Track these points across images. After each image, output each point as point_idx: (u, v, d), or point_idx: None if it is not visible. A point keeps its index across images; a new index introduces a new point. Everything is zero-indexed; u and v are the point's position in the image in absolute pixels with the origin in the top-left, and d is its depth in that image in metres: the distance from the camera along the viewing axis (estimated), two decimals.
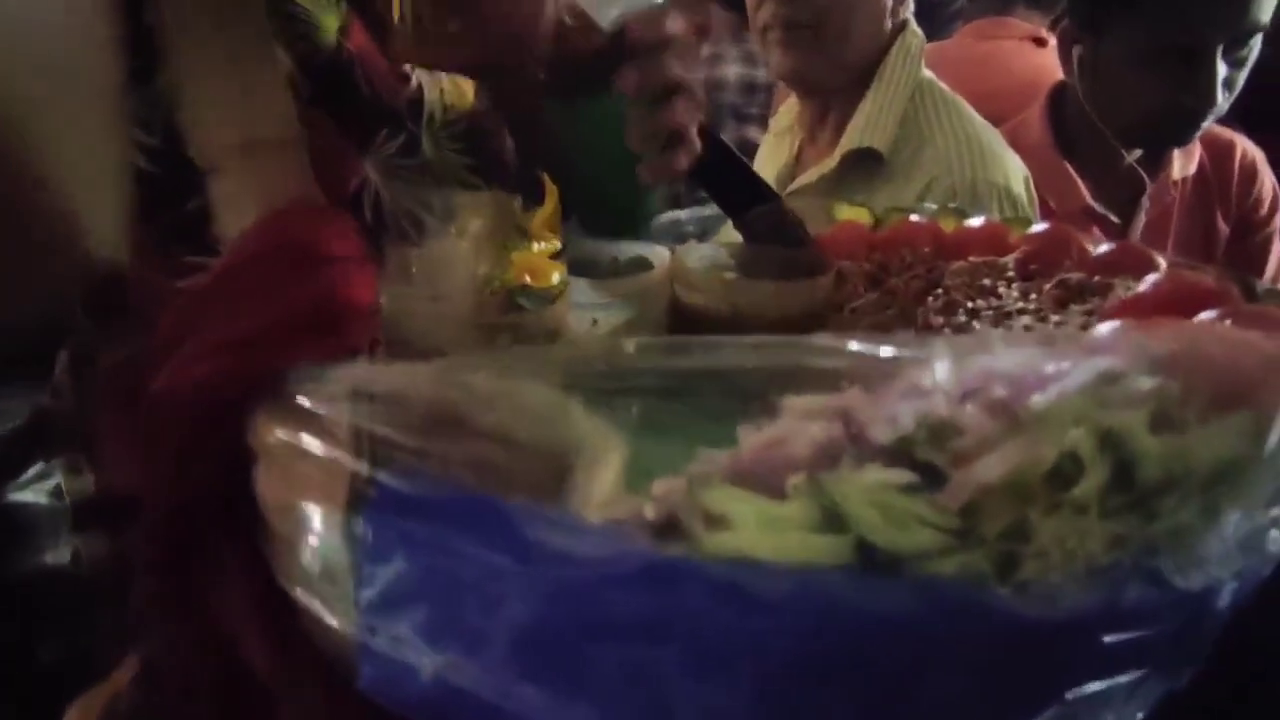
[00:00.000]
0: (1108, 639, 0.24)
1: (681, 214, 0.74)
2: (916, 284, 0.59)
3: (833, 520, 0.23)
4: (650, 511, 0.23)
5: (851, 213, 0.67)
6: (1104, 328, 0.29)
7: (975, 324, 0.48)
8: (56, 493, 0.67)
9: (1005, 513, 0.23)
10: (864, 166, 0.95)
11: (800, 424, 0.24)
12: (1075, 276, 0.48)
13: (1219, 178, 1.10)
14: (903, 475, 0.23)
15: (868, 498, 0.22)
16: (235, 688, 0.32)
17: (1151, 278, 0.44)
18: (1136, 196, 1.06)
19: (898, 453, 0.23)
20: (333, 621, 0.27)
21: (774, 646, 0.22)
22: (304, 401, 0.28)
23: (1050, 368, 0.25)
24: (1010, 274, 0.52)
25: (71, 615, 0.59)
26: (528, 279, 0.51)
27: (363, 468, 0.27)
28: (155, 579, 0.35)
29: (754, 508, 0.23)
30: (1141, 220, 1.06)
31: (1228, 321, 0.31)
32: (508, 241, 0.51)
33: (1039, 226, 0.57)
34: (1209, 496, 0.24)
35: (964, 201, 0.87)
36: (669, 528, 0.24)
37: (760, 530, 0.23)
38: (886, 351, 0.25)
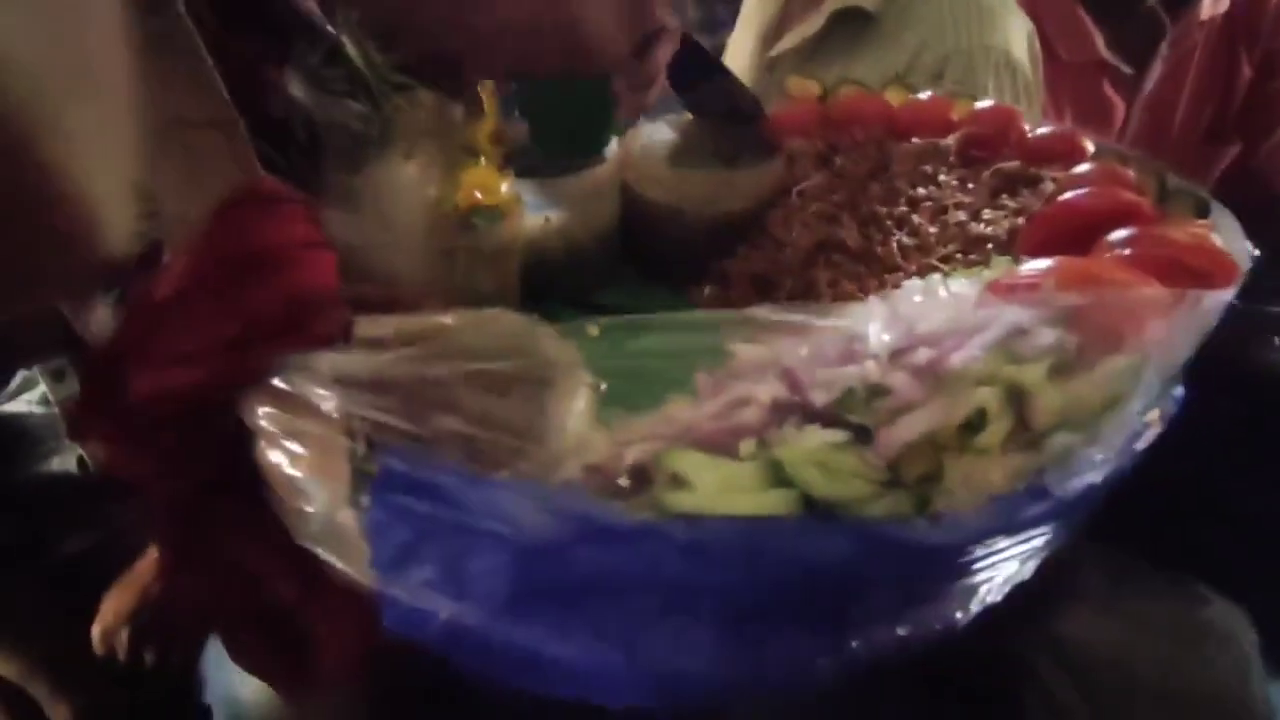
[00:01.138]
0: (1004, 542, 0.29)
1: None
2: (864, 165, 0.60)
3: (780, 478, 0.27)
4: (622, 473, 0.27)
5: (801, 86, 0.66)
6: (1022, 271, 0.32)
7: (915, 217, 0.50)
8: (44, 401, 0.68)
9: (923, 461, 0.27)
10: (851, 26, 0.89)
11: (749, 387, 0.27)
12: (1010, 166, 0.50)
13: (1250, 14, 1.02)
14: (838, 435, 0.27)
15: (809, 458, 0.26)
16: (259, 614, 0.36)
17: (1080, 169, 0.46)
18: (1155, 43, 0.99)
19: (834, 414, 0.27)
20: (350, 573, 0.31)
21: (733, 591, 0.26)
22: (293, 389, 0.30)
23: (969, 322, 0.28)
24: (951, 159, 0.54)
25: (87, 512, 0.63)
26: (479, 196, 0.50)
27: (359, 448, 0.29)
28: (167, 539, 0.37)
29: (712, 472, 0.27)
30: (1157, 70, 0.99)
31: (1128, 250, 0.33)
32: (455, 160, 0.50)
33: (981, 104, 0.57)
34: (1092, 425, 0.29)
35: (957, 69, 0.82)
36: (637, 485, 0.28)
37: (718, 491, 0.27)
38: (826, 321, 0.28)
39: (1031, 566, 0.31)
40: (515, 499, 0.28)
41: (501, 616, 0.28)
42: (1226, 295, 0.29)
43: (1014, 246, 0.43)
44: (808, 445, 0.26)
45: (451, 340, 0.41)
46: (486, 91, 0.52)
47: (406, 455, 0.29)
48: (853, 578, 0.27)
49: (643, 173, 0.61)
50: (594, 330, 0.41)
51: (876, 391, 0.27)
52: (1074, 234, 0.37)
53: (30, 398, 0.68)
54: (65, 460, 0.67)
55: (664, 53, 0.54)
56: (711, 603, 0.27)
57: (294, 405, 0.30)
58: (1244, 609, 0.40)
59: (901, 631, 0.29)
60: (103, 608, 0.62)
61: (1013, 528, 0.29)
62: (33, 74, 0.17)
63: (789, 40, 0.93)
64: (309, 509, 0.31)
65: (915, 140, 0.57)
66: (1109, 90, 1.01)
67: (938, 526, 0.27)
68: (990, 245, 0.44)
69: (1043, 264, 0.31)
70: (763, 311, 0.29)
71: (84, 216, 0.18)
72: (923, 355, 0.27)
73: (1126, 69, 1.00)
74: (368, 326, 0.41)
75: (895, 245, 0.49)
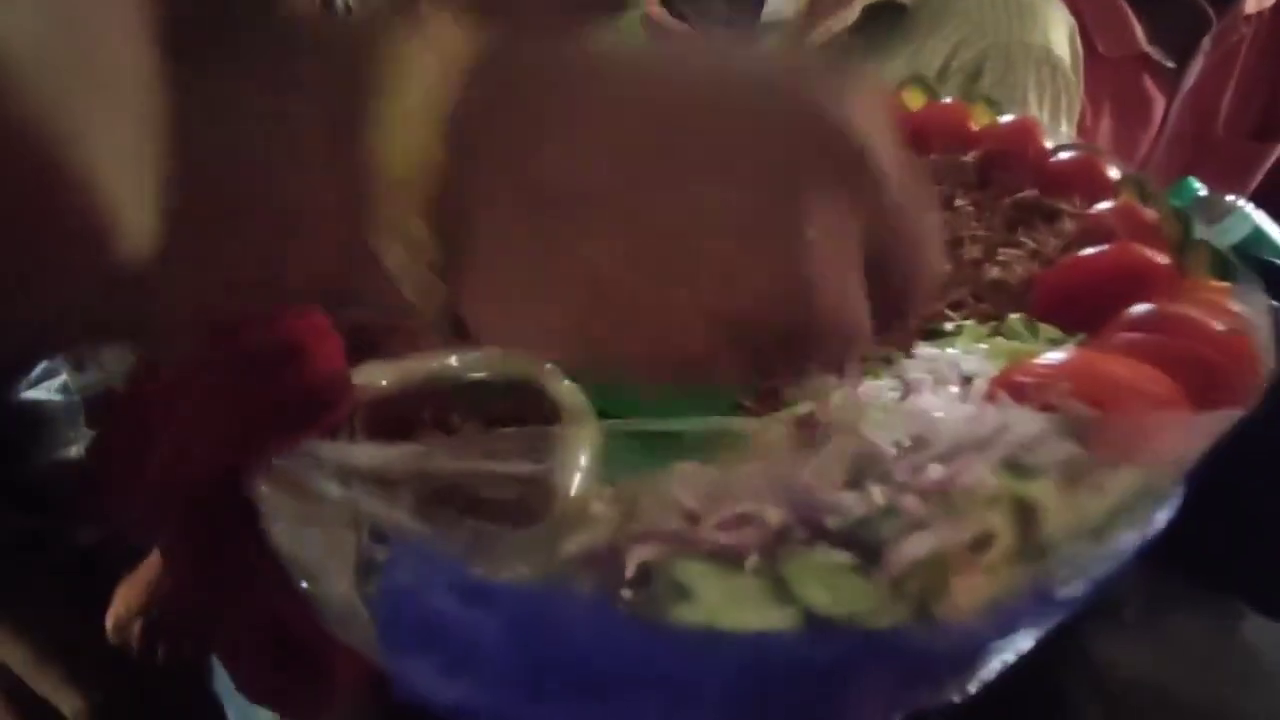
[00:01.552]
0: (1006, 640, 0.29)
1: None
2: None
3: (784, 595, 0.27)
4: (626, 574, 0.27)
5: None
6: (1036, 365, 0.31)
7: None
8: (64, 389, 0.68)
9: (928, 577, 0.27)
10: (885, 21, 0.85)
11: (755, 506, 0.27)
12: (1027, 196, 0.48)
13: None
14: (845, 556, 0.27)
15: (815, 578, 0.26)
16: (267, 636, 0.37)
17: (1100, 207, 0.45)
18: (1198, 37, 0.95)
19: (842, 534, 0.27)
20: (358, 645, 0.31)
21: (733, 693, 0.27)
22: (298, 476, 0.30)
23: (981, 432, 0.28)
24: (969, 178, 0.52)
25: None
26: None
27: (364, 540, 0.29)
28: (174, 545, 0.38)
29: (717, 586, 0.27)
30: (1198, 65, 0.95)
31: (1145, 334, 0.33)
32: None
33: (1004, 119, 0.55)
34: (1101, 534, 0.29)
35: (996, 67, 0.79)
36: (641, 586, 0.28)
37: (722, 605, 0.27)
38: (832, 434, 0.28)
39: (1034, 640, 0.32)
40: (519, 601, 0.28)
41: (510, 701, 0.29)
42: (1248, 408, 0.29)
43: (1027, 298, 0.42)
44: (814, 564, 0.27)
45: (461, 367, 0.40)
46: None
47: (412, 548, 0.29)
48: (851, 679, 0.28)
49: None
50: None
51: (886, 513, 0.27)
52: (1088, 301, 0.36)
53: (51, 385, 0.68)
54: (83, 449, 0.67)
55: None
56: (712, 700, 0.27)
57: (299, 491, 0.30)
58: None
59: (897, 717, 0.30)
60: (116, 598, 0.64)
61: (1015, 628, 0.29)
62: (51, 72, 0.17)
63: (818, 35, 0.88)
64: (314, 586, 0.31)
65: (934, 156, 0.55)
66: (1149, 85, 0.97)
67: (938, 634, 0.28)
68: (1005, 295, 0.43)
69: (1056, 358, 0.31)
70: (769, 424, 0.29)
71: (102, 214, 0.18)
72: (932, 474, 0.27)
73: (1168, 63, 0.96)
74: (368, 373, 0.41)
75: None
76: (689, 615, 0.27)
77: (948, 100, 0.57)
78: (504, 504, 0.33)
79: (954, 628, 0.28)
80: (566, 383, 0.43)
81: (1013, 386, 0.30)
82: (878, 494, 0.27)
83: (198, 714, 0.68)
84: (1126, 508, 0.28)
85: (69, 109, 0.17)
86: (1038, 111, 0.81)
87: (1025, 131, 0.52)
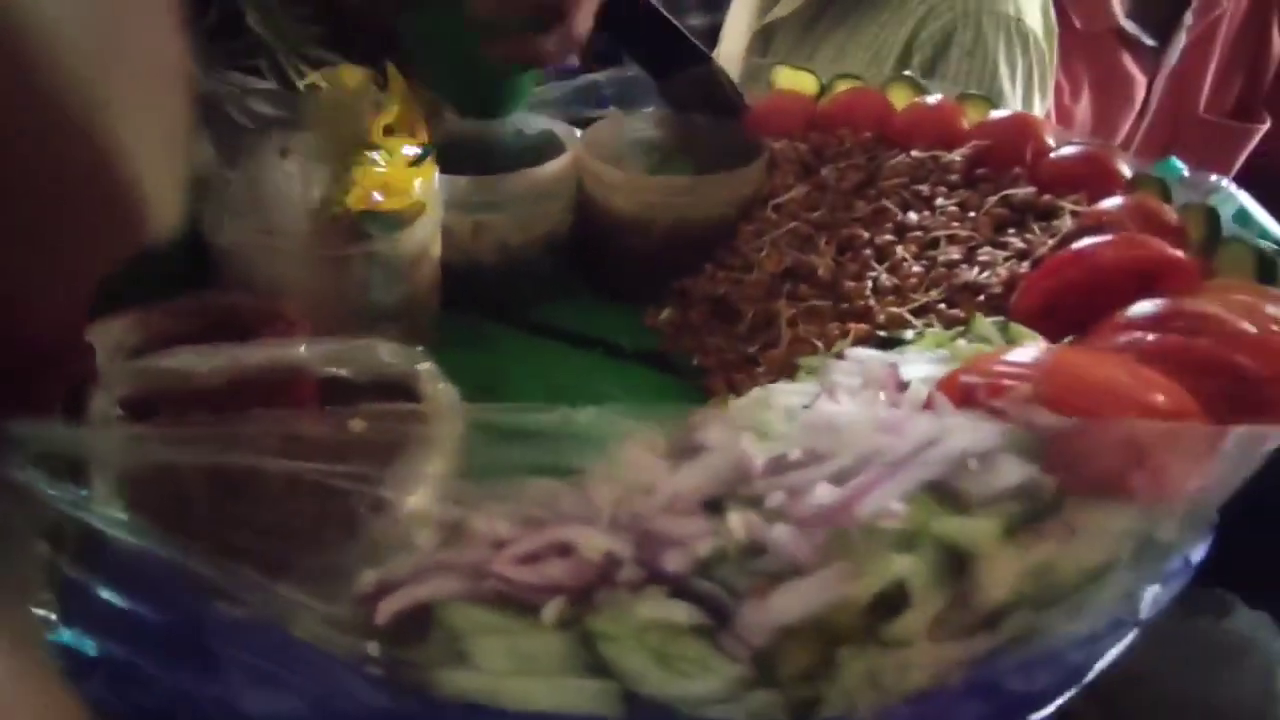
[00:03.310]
0: None
1: (599, 77, 0.63)
2: (852, 176, 0.51)
3: (596, 663, 0.18)
4: (374, 649, 0.19)
5: (793, 79, 0.57)
6: (998, 361, 0.23)
7: (899, 248, 0.41)
8: None
9: (805, 653, 0.18)
10: None
11: (576, 531, 0.19)
12: (1021, 193, 0.40)
13: None
14: (685, 612, 0.18)
15: (639, 641, 0.18)
16: None
17: (1110, 203, 0.37)
18: (1179, 11, 0.90)
19: (683, 579, 0.19)
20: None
21: None
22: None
23: (898, 446, 0.20)
24: (953, 177, 0.44)
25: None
26: (376, 199, 0.42)
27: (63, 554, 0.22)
28: None
29: (501, 642, 0.19)
30: (1181, 41, 0.90)
31: (1152, 334, 0.24)
32: (347, 156, 0.42)
33: (998, 114, 0.47)
34: (1070, 602, 0.20)
35: (964, 39, 0.74)
36: (407, 637, 0.20)
37: (508, 672, 0.19)
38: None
39: None
40: (242, 652, 0.20)
41: None
42: None
43: (1008, 302, 0.33)
44: (638, 620, 0.18)
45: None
46: (395, 76, 0.44)
47: (118, 572, 0.21)
48: None
49: (603, 174, 0.53)
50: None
51: (747, 552, 0.18)
52: (1085, 298, 0.28)
53: None
54: None
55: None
56: None
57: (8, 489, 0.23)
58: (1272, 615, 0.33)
59: None
60: None
61: None
62: (80, 51, 0.17)
63: (781, 8, 0.83)
64: None
65: (913, 153, 0.47)
66: (1130, 64, 0.91)
67: None
68: (981, 297, 0.34)
69: (1026, 354, 0.22)
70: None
71: (132, 194, 0.19)
72: (820, 498, 0.18)
73: (1148, 40, 0.90)
74: (187, 360, 0.34)
75: (870, 283, 0.40)
76: (462, 683, 0.19)
77: (935, 98, 0.50)
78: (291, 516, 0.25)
79: None
80: (442, 384, 0.36)
81: (958, 389, 0.21)
82: (738, 523, 0.18)
83: None
84: (1108, 566, 0.20)
85: (106, 91, 0.18)
86: (1009, 85, 0.74)
87: (1023, 127, 0.45)
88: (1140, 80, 0.93)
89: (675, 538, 0.19)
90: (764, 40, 0.86)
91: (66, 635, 0.21)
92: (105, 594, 0.21)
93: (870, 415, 0.21)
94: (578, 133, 0.55)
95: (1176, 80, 0.95)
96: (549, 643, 0.19)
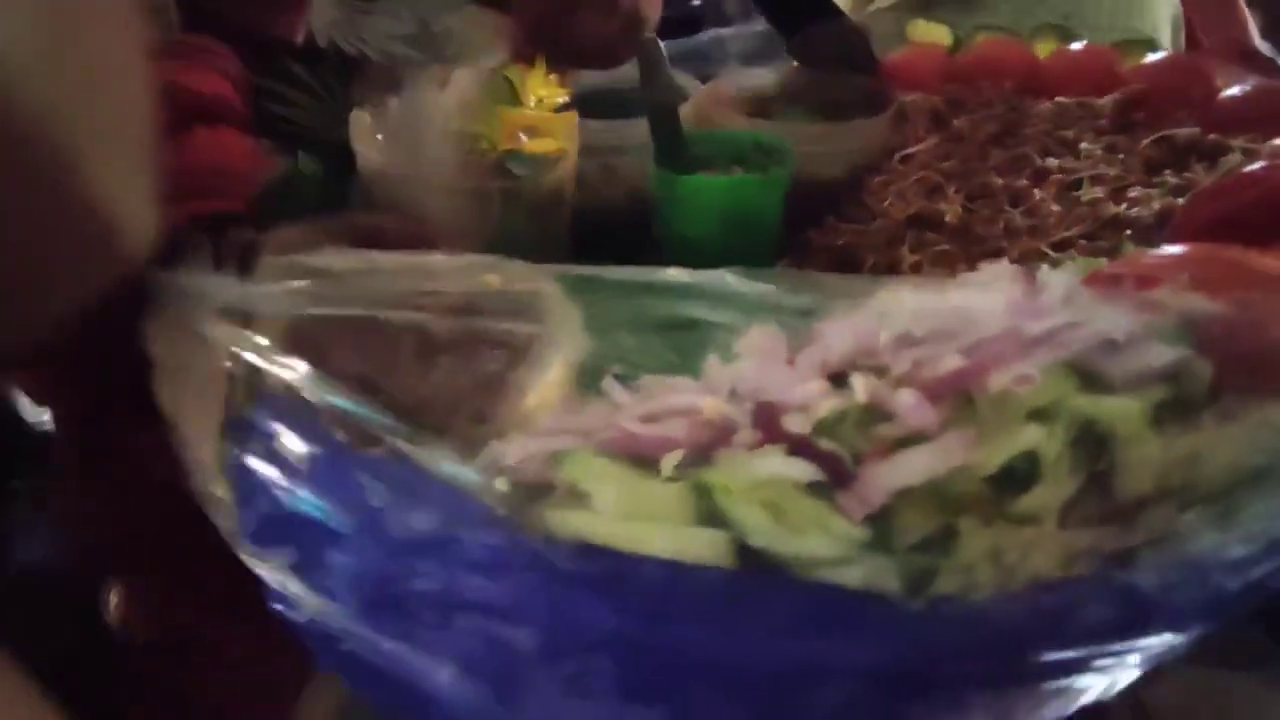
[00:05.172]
0: (1050, 657, 0.20)
1: (726, 31, 0.63)
2: (988, 127, 0.49)
3: (711, 514, 0.19)
4: (502, 483, 0.20)
5: (927, 31, 0.55)
6: (1145, 257, 0.21)
7: (1037, 191, 0.39)
8: None
9: (925, 520, 0.18)
10: None
11: (695, 399, 0.20)
12: (1184, 133, 0.37)
13: None
14: (802, 470, 0.18)
15: (756, 495, 0.18)
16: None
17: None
18: None
19: (804, 439, 0.19)
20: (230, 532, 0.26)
21: (636, 642, 0.19)
22: (182, 317, 0.25)
23: (1032, 325, 0.19)
24: (1103, 121, 0.42)
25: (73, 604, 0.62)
26: (522, 140, 0.44)
27: (235, 395, 0.24)
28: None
29: (618, 488, 0.19)
30: None
31: None
32: (497, 96, 0.44)
33: (1156, 55, 0.44)
34: (1219, 506, 0.19)
35: None
36: (524, 497, 0.21)
37: (622, 515, 0.19)
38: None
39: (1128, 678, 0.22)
40: (377, 490, 0.22)
41: (361, 624, 0.23)
42: None
43: (1160, 234, 0.31)
44: (754, 475, 0.18)
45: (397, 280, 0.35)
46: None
47: (278, 411, 0.24)
48: (799, 668, 0.19)
49: (726, 123, 0.53)
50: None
51: (869, 415, 0.18)
52: (1249, 222, 0.26)
53: None
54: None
55: None
56: (599, 666, 0.19)
57: (185, 336, 0.26)
58: None
59: None
60: None
61: (1069, 636, 0.20)
62: (45, 72, 0.17)
63: None
64: (188, 452, 0.26)
65: (1060, 99, 0.45)
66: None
67: (939, 618, 0.18)
68: (1129, 231, 0.32)
69: (1177, 250, 0.21)
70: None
71: (102, 216, 0.19)
72: (946, 365, 0.18)
73: None
74: (330, 257, 0.37)
75: (1003, 224, 0.38)
76: (577, 524, 0.20)
77: (1081, 44, 0.47)
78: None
79: (965, 609, 0.19)
80: (562, 298, 0.37)
81: (1105, 281, 0.20)
82: (860, 386, 0.18)
83: None
84: (1272, 467, 0.18)
85: (71, 116, 0.17)
86: None
87: (1190, 69, 0.41)
88: None
89: (795, 403, 0.19)
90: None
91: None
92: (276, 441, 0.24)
93: (1003, 300, 0.20)
94: (702, 85, 0.56)
95: None
96: (666, 490, 0.19)
